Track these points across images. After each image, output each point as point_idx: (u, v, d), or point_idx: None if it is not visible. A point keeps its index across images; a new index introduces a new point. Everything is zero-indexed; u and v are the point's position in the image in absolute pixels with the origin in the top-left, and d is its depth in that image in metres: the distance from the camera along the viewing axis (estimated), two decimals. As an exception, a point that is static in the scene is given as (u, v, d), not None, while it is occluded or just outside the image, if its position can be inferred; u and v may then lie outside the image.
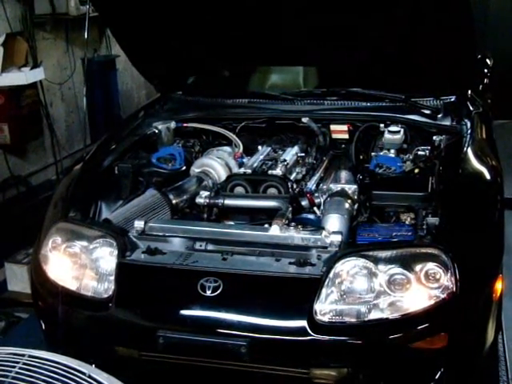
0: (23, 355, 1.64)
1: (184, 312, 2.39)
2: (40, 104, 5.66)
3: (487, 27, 6.46)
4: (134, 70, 4.04)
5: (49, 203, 2.98)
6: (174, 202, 2.95)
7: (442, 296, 2.27)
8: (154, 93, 4.25)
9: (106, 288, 2.47)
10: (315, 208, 2.89)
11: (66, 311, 2.54)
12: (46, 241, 2.65)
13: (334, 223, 2.65)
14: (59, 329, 2.62)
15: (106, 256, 2.54)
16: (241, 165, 3.24)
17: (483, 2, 6.72)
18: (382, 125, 3.25)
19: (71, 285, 2.54)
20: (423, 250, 2.36)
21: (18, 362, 1.60)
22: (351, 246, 2.53)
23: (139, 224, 2.63)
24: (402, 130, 3.18)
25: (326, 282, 2.30)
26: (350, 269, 2.33)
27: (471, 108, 3.41)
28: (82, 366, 1.65)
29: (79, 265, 2.56)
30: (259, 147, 3.44)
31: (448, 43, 3.11)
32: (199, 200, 2.89)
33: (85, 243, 2.58)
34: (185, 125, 3.53)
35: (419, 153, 3.11)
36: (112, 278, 2.47)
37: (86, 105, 5.26)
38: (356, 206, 2.85)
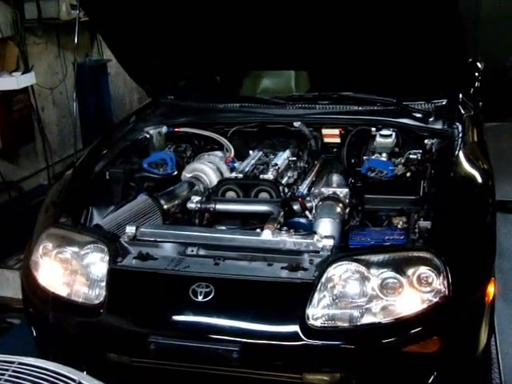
0: (13, 362, 1.63)
1: (176, 318, 2.37)
2: (31, 109, 5.64)
3: (478, 31, 6.50)
4: (125, 75, 4.03)
5: (40, 208, 2.96)
6: (165, 207, 2.94)
7: (435, 300, 2.26)
8: (147, 97, 4.24)
9: (97, 294, 2.46)
10: (307, 212, 2.88)
11: (57, 317, 2.52)
12: (37, 247, 2.64)
13: (326, 227, 2.64)
14: (50, 335, 2.61)
15: (97, 262, 2.52)
16: (232, 169, 3.24)
17: (474, 6, 6.75)
18: (373, 128, 3.25)
19: (62, 291, 2.52)
20: (415, 254, 2.36)
21: (7, 370, 1.60)
22: (343, 250, 2.52)
23: (130, 229, 2.62)
24: (394, 134, 3.18)
25: (318, 287, 2.29)
26: (342, 273, 2.32)
27: (462, 111, 3.42)
28: (72, 373, 1.64)
29: (70, 271, 2.55)
30: (251, 152, 3.43)
31: (439, 47, 3.12)
32: (190, 205, 2.89)
33: (76, 249, 2.57)
34: (176, 129, 3.53)
35: (411, 156, 3.10)
36: (103, 283, 2.46)
37: (77, 109, 5.25)
38: (348, 210, 2.84)
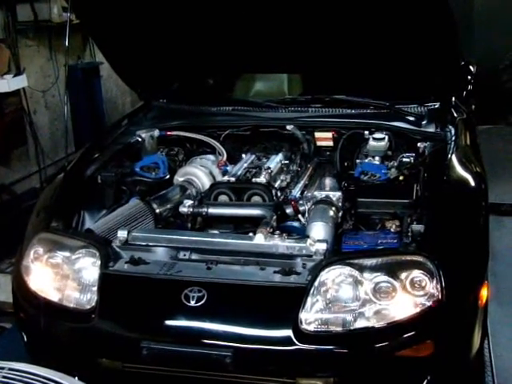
0: (3, 368, 1.62)
1: (168, 322, 2.36)
2: (23, 111, 5.62)
3: (471, 34, 6.51)
4: (118, 78, 4.01)
5: (32, 212, 2.95)
6: (157, 211, 2.92)
7: (428, 304, 2.26)
8: (139, 100, 4.22)
9: (88, 299, 2.45)
10: (300, 216, 2.87)
11: (48, 323, 2.51)
12: (28, 251, 2.63)
13: (319, 231, 2.63)
14: (41, 341, 2.60)
15: (89, 266, 2.51)
16: (225, 173, 3.22)
17: (467, 9, 6.76)
18: (366, 132, 3.24)
19: (53, 296, 2.51)
20: (408, 258, 2.35)
21: (-3, 376, 1.58)
22: (336, 254, 2.52)
23: (122, 234, 2.61)
24: (387, 137, 3.17)
25: (311, 291, 2.29)
26: (335, 277, 2.32)
27: (455, 114, 3.42)
28: (63, 379, 1.64)
29: (61, 275, 2.53)
30: (243, 155, 3.42)
31: (432, 50, 3.12)
32: (183, 209, 2.87)
33: (67, 253, 2.55)
34: (168, 133, 3.50)
35: (404, 160, 3.09)
36: (95, 288, 2.44)
37: (68, 112, 5.23)
38: (341, 214, 2.84)
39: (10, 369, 1.62)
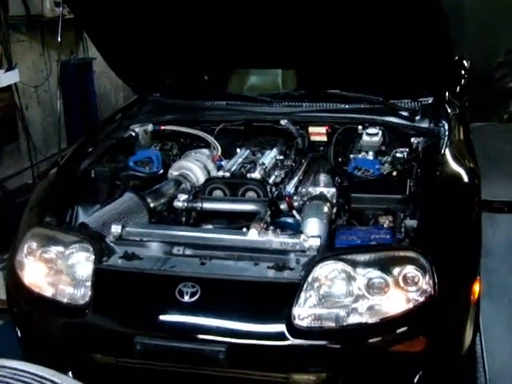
0: (-6, 366, 1.61)
1: (162, 318, 2.36)
2: (15, 107, 5.60)
3: (464, 29, 6.52)
4: (111, 73, 4.00)
5: (25, 208, 2.94)
6: (151, 205, 2.91)
7: (421, 299, 2.27)
8: (132, 95, 4.21)
9: (82, 294, 2.44)
10: (294, 211, 2.87)
11: (42, 318, 2.51)
12: (21, 246, 2.61)
13: (313, 227, 2.63)
14: (35, 336, 2.59)
15: (83, 261, 2.50)
16: (219, 168, 3.20)
17: (458, 4, 6.77)
18: (360, 127, 3.24)
19: (47, 291, 2.50)
20: (401, 254, 2.36)
21: (-12, 374, 1.57)
22: (330, 250, 2.51)
23: (116, 228, 2.60)
24: (380, 132, 3.17)
25: (304, 287, 2.29)
26: (328, 273, 2.32)
27: (449, 110, 3.43)
28: (56, 377, 1.62)
29: (55, 270, 2.52)
30: (238, 150, 3.40)
31: (425, 45, 3.13)
32: (177, 204, 2.86)
33: (61, 248, 2.54)
34: (162, 127, 3.49)
35: (397, 155, 3.09)
36: (88, 283, 2.44)
37: (61, 108, 5.20)
38: (335, 210, 2.84)
39: (2, 366, 1.61)
